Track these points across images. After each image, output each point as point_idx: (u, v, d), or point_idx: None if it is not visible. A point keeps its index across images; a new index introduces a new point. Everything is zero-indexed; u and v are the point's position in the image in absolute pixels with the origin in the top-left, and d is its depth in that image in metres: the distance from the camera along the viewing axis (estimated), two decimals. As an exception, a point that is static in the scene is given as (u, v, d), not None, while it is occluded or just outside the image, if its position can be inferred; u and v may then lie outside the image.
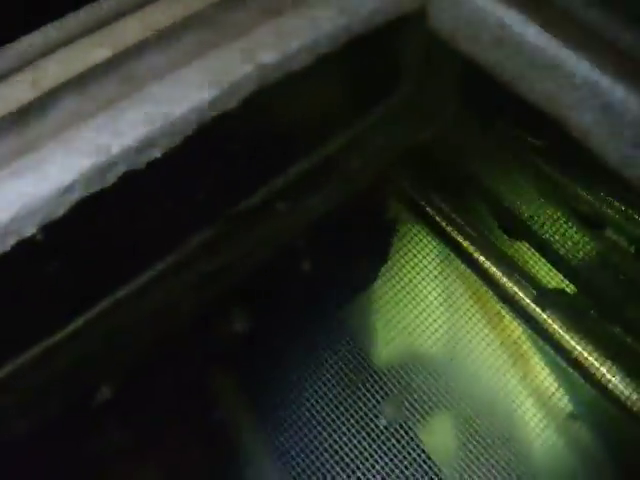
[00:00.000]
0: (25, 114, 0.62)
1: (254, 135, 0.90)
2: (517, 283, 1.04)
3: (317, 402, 0.99)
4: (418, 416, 0.99)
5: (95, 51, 0.65)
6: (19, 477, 0.83)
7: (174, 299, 0.94)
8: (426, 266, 1.09)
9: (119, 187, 0.64)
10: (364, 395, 0.99)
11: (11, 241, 0.59)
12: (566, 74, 0.72)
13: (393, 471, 0.97)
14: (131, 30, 0.67)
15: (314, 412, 0.99)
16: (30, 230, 0.60)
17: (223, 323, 1.01)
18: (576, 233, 1.06)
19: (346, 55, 0.78)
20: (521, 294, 1.03)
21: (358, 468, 0.96)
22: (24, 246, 0.60)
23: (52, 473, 0.86)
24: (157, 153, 0.65)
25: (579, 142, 0.72)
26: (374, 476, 0.97)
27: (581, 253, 1.05)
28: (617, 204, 1.00)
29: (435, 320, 1.03)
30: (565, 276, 1.06)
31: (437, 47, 0.88)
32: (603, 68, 0.69)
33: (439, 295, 1.06)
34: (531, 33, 0.74)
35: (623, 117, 0.68)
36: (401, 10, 0.79)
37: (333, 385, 0.99)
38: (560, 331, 1.01)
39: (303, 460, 0.96)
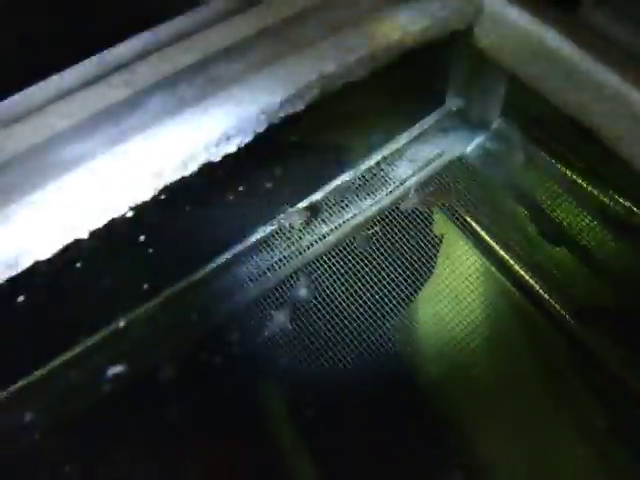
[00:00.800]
0: (120, 109, 0.72)
1: (314, 141, 0.99)
2: (558, 300, 1.07)
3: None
4: (457, 434, 1.02)
5: (183, 56, 0.76)
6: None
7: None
8: (471, 282, 1.11)
9: (198, 179, 0.74)
10: (406, 412, 1.03)
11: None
12: (598, 86, 0.80)
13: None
14: (215, 40, 0.78)
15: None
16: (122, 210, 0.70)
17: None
18: (612, 240, 1.11)
19: (398, 69, 0.87)
20: (562, 311, 1.06)
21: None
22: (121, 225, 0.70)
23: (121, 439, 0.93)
24: (233, 147, 0.75)
25: (610, 149, 0.80)
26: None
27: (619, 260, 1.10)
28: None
29: (478, 338, 1.06)
30: (604, 287, 1.10)
31: (483, 63, 0.97)
32: (632, 81, 0.77)
33: (483, 311, 1.10)
34: (566, 49, 0.82)
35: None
36: (450, 28, 0.88)
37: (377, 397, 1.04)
38: (600, 347, 1.03)
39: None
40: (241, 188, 0.91)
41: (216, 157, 0.74)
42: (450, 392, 1.02)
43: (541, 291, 1.06)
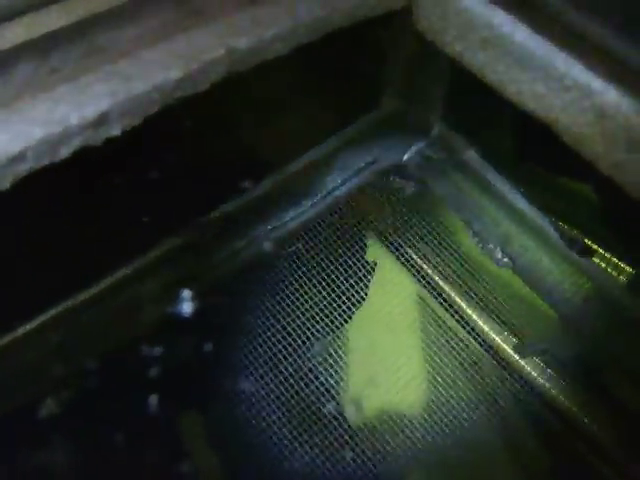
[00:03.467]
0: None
1: (221, 132, 0.90)
2: (498, 332, 1.03)
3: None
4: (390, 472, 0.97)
5: (60, 20, 0.64)
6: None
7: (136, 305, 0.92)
8: (407, 311, 1.06)
9: (73, 164, 0.62)
10: (333, 450, 0.96)
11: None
12: (556, 76, 0.72)
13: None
14: (101, 2, 0.67)
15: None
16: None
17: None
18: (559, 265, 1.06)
19: (324, 50, 0.78)
20: (501, 341, 1.02)
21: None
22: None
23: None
24: (117, 130, 0.64)
25: (569, 147, 0.72)
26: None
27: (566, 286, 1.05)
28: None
29: (412, 370, 1.01)
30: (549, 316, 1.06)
31: (423, 51, 0.89)
32: (594, 70, 0.69)
33: (418, 346, 1.04)
34: (520, 34, 0.74)
35: (616, 120, 0.68)
36: (385, 7, 0.80)
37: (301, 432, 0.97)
38: (541, 380, 0.99)
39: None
40: (128, 186, 0.80)
41: (95, 141, 0.61)
42: (381, 431, 0.96)
43: (479, 321, 1.02)
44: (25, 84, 0.63)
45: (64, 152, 0.62)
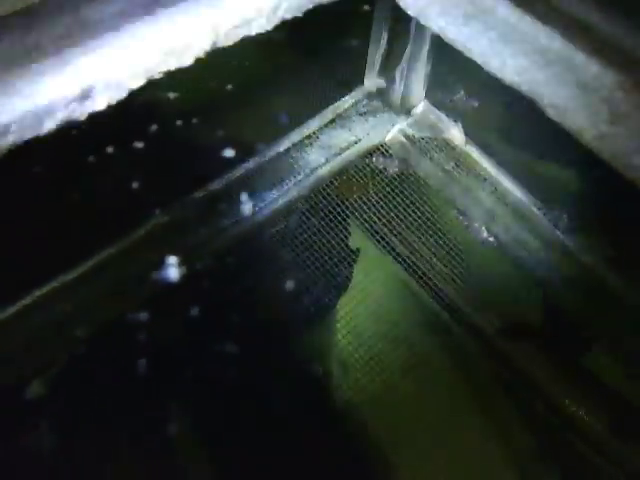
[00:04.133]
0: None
1: (205, 110, 0.89)
2: (480, 313, 1.03)
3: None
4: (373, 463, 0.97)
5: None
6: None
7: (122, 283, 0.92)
8: (390, 296, 1.06)
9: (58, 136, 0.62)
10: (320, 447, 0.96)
11: None
12: (539, 49, 0.72)
13: None
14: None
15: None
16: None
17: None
18: (542, 251, 1.06)
19: (308, 28, 0.78)
20: (482, 322, 1.02)
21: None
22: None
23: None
24: (101, 104, 0.64)
25: (553, 119, 0.73)
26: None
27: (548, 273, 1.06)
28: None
29: (396, 353, 1.01)
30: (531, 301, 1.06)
31: (406, 26, 0.89)
32: (576, 43, 0.70)
33: (400, 327, 1.04)
34: (502, 8, 0.75)
35: (598, 93, 0.68)
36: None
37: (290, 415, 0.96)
38: (526, 363, 0.99)
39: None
40: (114, 163, 0.80)
41: (80, 115, 0.61)
42: (369, 412, 0.97)
43: (464, 305, 1.02)
44: (9, 57, 0.62)
45: (48, 125, 0.61)
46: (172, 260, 0.93)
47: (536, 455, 0.94)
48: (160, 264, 0.93)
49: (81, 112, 0.63)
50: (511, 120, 1.00)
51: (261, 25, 0.72)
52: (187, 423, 0.90)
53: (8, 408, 0.85)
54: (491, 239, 1.03)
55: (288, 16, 0.74)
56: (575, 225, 0.98)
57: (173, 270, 0.93)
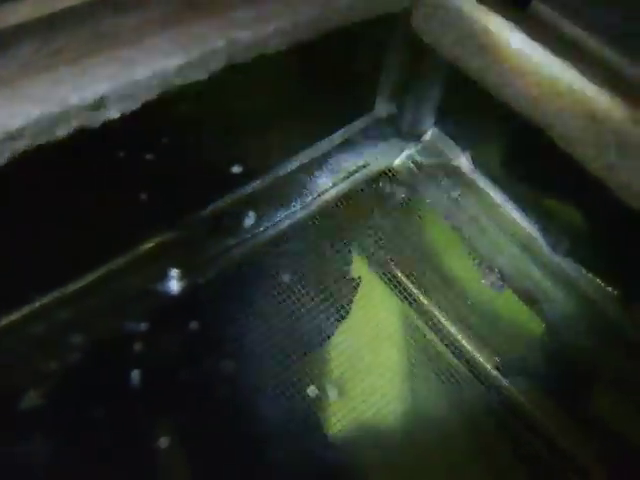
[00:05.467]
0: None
1: (213, 127, 0.90)
2: (479, 350, 1.02)
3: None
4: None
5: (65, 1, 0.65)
6: None
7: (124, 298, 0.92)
8: (388, 327, 1.05)
9: (70, 144, 0.63)
10: (314, 460, 0.95)
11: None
12: (551, 81, 0.73)
13: None
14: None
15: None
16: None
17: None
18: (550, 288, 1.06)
19: (321, 50, 0.79)
20: (482, 360, 1.02)
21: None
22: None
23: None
24: (115, 113, 0.64)
25: (562, 150, 0.73)
26: None
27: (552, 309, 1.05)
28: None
29: (394, 387, 1.00)
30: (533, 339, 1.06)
31: (420, 54, 0.90)
32: (588, 76, 0.71)
33: (399, 360, 1.04)
34: (516, 40, 0.75)
35: (607, 124, 0.69)
36: (385, 9, 0.81)
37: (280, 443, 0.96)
38: (524, 401, 0.98)
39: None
40: (123, 175, 0.80)
41: (93, 123, 0.62)
42: (363, 447, 0.95)
43: (464, 341, 1.01)
44: (27, 63, 0.63)
45: (61, 132, 0.62)
46: (174, 273, 0.92)
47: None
48: (162, 277, 0.92)
49: (94, 120, 0.63)
50: (519, 149, 1.00)
51: (277, 45, 0.73)
52: (177, 438, 0.88)
53: (2, 418, 0.84)
54: (495, 269, 1.02)
55: (304, 37, 0.74)
56: (580, 257, 0.98)
57: (174, 283, 0.92)
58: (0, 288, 0.79)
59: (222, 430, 0.90)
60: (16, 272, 0.78)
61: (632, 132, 0.66)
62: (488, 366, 0.99)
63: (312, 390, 0.94)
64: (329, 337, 1.00)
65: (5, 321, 0.87)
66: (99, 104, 0.63)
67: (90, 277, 0.90)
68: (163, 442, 0.87)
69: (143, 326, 0.91)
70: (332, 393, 0.95)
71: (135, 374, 0.88)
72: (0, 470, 0.81)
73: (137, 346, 0.90)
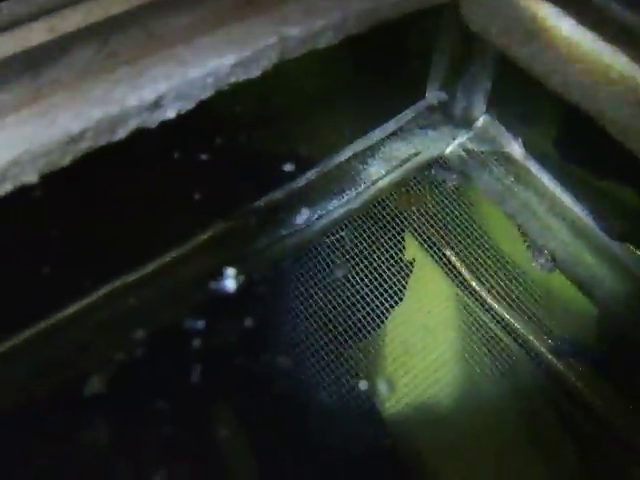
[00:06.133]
0: (38, 58, 0.63)
1: (269, 121, 0.91)
2: (533, 332, 1.02)
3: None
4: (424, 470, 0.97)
5: (120, 5, 0.66)
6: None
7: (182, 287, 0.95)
8: (441, 311, 1.06)
9: (130, 145, 0.64)
10: (371, 445, 0.97)
11: (8, 186, 0.59)
12: (602, 68, 0.72)
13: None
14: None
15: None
16: (31, 176, 0.60)
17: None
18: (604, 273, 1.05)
19: (372, 40, 0.79)
20: (536, 342, 1.02)
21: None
22: (23, 195, 0.60)
23: (36, 456, 0.84)
24: (172, 113, 0.66)
25: (615, 138, 0.73)
26: None
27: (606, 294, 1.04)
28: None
29: (447, 370, 1.01)
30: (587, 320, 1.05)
31: (469, 43, 0.89)
32: (641, 63, 0.70)
33: (453, 343, 1.04)
34: (566, 26, 0.74)
35: (660, 112, 0.68)
36: (433, 0, 0.81)
37: (336, 426, 0.97)
38: (578, 383, 0.98)
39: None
40: (179, 170, 0.82)
41: (151, 123, 0.63)
42: (417, 430, 0.96)
43: (517, 323, 1.01)
44: (86, 66, 0.64)
45: (121, 133, 0.64)
46: (230, 271, 0.94)
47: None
48: (218, 274, 0.93)
49: (152, 120, 0.65)
50: (571, 136, 0.99)
51: (328, 40, 0.73)
52: (235, 428, 0.91)
53: (67, 404, 0.87)
54: (548, 255, 1.02)
55: (355, 31, 0.74)
56: (634, 241, 0.97)
57: (231, 281, 0.94)
58: (65, 277, 0.80)
59: (280, 423, 0.92)
60: (78, 260, 0.81)
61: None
62: (542, 347, 0.99)
63: (364, 384, 0.95)
64: (384, 323, 1.01)
65: (67, 310, 0.90)
66: (156, 104, 0.64)
67: (147, 269, 0.91)
68: (223, 433, 0.90)
69: (200, 324, 0.92)
70: (383, 386, 0.95)
71: (195, 369, 0.89)
72: (66, 453, 0.84)
73: (196, 342, 0.92)
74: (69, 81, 0.64)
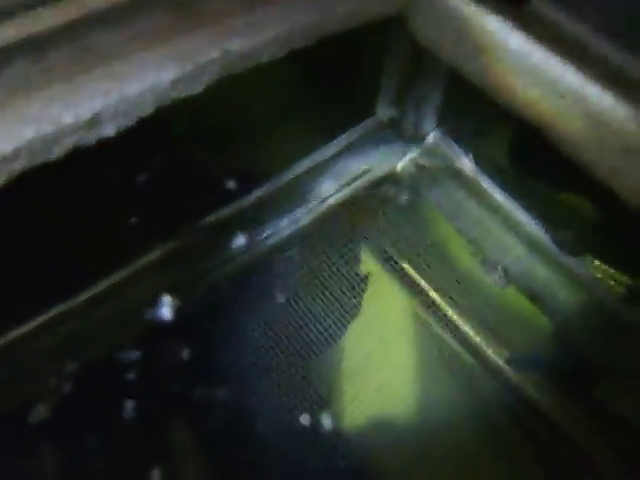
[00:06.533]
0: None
1: (214, 139, 0.89)
2: (490, 344, 1.02)
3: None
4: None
5: (55, 19, 0.64)
6: None
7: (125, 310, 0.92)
8: (400, 324, 1.06)
9: (67, 164, 0.62)
10: (325, 458, 0.95)
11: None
12: (551, 81, 0.72)
13: None
14: (94, 2, 0.66)
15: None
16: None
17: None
18: (558, 284, 1.05)
19: (320, 55, 0.78)
20: (493, 354, 1.01)
21: None
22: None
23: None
24: (110, 131, 0.63)
25: (565, 152, 0.72)
26: None
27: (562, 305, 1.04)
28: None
29: (404, 386, 1.00)
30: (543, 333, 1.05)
31: (418, 57, 0.89)
32: (589, 76, 0.69)
33: (410, 357, 1.03)
34: (514, 40, 0.74)
35: (611, 126, 0.68)
36: (379, 13, 0.80)
37: (292, 442, 0.95)
38: (536, 395, 0.98)
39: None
40: (120, 189, 0.79)
41: (88, 141, 0.61)
42: (375, 449, 0.96)
43: (474, 335, 1.01)
44: (19, 83, 0.62)
45: (57, 152, 0.62)
46: (166, 299, 0.91)
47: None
48: (154, 302, 0.91)
49: (89, 138, 0.62)
50: (522, 150, 1.00)
51: (272, 54, 0.72)
52: (171, 467, 0.88)
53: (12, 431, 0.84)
54: (500, 269, 1.01)
55: (300, 45, 0.73)
56: (586, 255, 0.97)
57: (167, 309, 0.91)
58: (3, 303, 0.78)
59: (219, 456, 0.90)
60: (11, 290, 0.78)
61: (636, 133, 0.64)
62: (499, 360, 0.99)
63: (305, 417, 0.94)
64: (337, 340, 1.00)
65: (11, 335, 0.86)
66: (93, 121, 0.62)
67: (89, 293, 0.89)
68: (156, 473, 0.87)
69: (135, 355, 0.90)
70: (336, 406, 0.94)
71: (128, 403, 0.87)
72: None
73: (130, 375, 0.89)
74: (1, 99, 0.61)
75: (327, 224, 1.08)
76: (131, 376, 0.89)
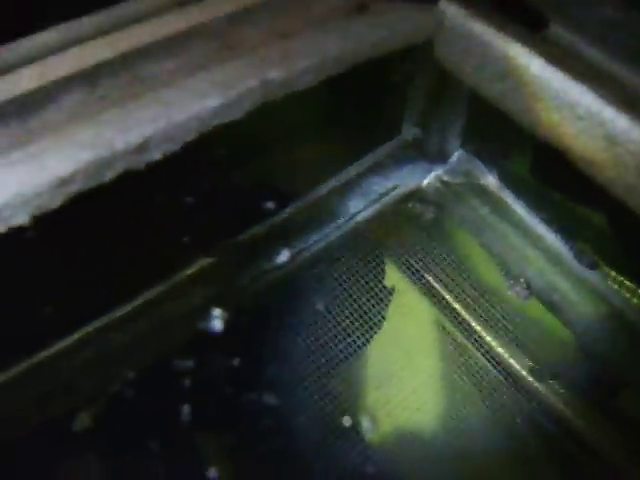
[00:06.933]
0: (28, 103, 0.65)
1: (250, 159, 0.93)
2: (514, 355, 1.05)
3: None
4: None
5: (107, 51, 0.69)
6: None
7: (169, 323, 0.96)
8: (424, 337, 1.08)
9: (117, 187, 0.66)
10: (354, 472, 0.98)
11: (0, 227, 0.61)
12: (570, 105, 0.75)
13: None
14: (143, 34, 0.71)
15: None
16: (21, 219, 0.62)
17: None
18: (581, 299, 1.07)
19: (352, 81, 0.82)
20: (518, 366, 1.04)
21: None
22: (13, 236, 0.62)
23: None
24: (157, 155, 0.68)
25: (583, 173, 0.75)
26: None
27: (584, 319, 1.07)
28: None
29: (429, 397, 1.03)
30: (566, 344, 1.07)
31: (443, 82, 0.92)
32: (607, 99, 0.73)
33: (435, 369, 1.06)
34: (535, 65, 0.77)
35: (627, 147, 0.71)
36: (407, 42, 0.84)
37: (319, 456, 0.98)
38: (560, 405, 1.00)
39: None
40: (164, 209, 0.84)
41: (138, 165, 0.65)
42: (401, 457, 0.98)
43: (498, 347, 1.04)
44: (75, 110, 0.66)
45: (109, 175, 0.65)
46: (217, 312, 0.95)
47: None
48: (206, 313, 0.95)
49: (139, 162, 0.67)
50: (544, 168, 1.02)
51: (307, 81, 0.76)
52: (226, 468, 0.91)
53: (57, 439, 0.87)
54: (524, 283, 1.04)
55: (334, 72, 0.77)
56: (607, 268, 0.99)
57: (218, 321, 0.96)
58: (51, 316, 0.81)
59: (267, 461, 0.93)
60: (64, 299, 0.81)
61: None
62: (523, 370, 1.01)
63: (347, 419, 0.97)
64: (364, 352, 1.03)
65: (57, 346, 0.89)
66: (143, 146, 0.66)
67: (133, 305, 0.93)
68: (213, 472, 0.90)
69: (189, 363, 0.94)
70: (365, 416, 0.96)
71: (185, 408, 0.91)
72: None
73: (186, 381, 0.93)
74: (59, 126, 0.65)
75: (355, 240, 1.10)
76: (187, 383, 0.93)
